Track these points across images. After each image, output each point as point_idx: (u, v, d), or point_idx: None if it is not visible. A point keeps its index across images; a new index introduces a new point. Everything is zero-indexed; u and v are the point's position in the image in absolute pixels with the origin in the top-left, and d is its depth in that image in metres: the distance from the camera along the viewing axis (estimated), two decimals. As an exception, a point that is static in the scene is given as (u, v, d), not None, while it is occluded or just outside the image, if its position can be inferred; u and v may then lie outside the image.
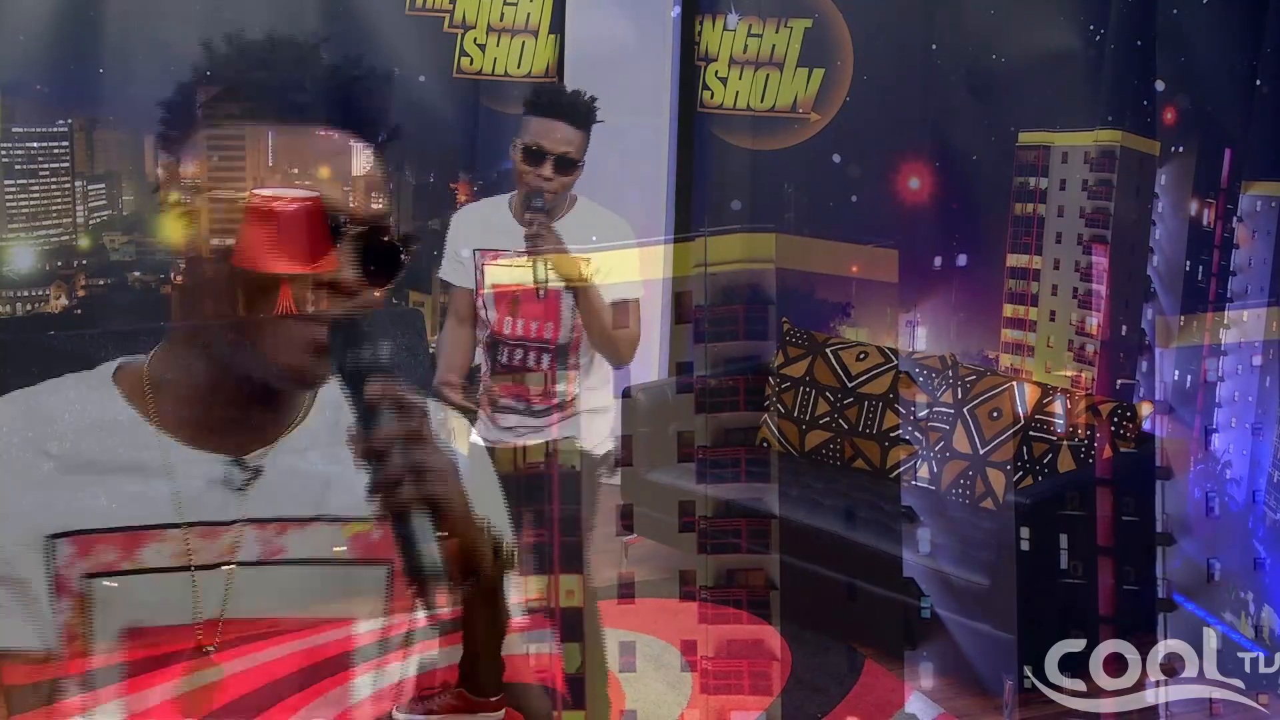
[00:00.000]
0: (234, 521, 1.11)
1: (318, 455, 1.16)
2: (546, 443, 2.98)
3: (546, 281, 2.76)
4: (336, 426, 1.10)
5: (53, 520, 1.08)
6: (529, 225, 2.75)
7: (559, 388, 2.92)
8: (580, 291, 2.79)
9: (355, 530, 1.16)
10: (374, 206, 1.13)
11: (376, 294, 1.12)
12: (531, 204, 2.75)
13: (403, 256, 1.13)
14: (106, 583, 1.08)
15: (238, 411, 1.14)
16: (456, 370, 2.98)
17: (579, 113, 2.82)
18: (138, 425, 1.13)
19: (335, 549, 1.15)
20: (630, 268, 2.91)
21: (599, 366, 2.96)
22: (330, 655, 1.15)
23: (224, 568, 1.11)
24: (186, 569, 1.09)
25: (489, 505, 1.17)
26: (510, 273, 2.87)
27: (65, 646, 1.09)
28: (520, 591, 1.19)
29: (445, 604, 1.01)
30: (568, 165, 2.80)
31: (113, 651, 1.09)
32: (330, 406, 1.16)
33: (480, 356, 3.00)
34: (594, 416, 3.00)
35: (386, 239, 1.13)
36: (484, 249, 2.91)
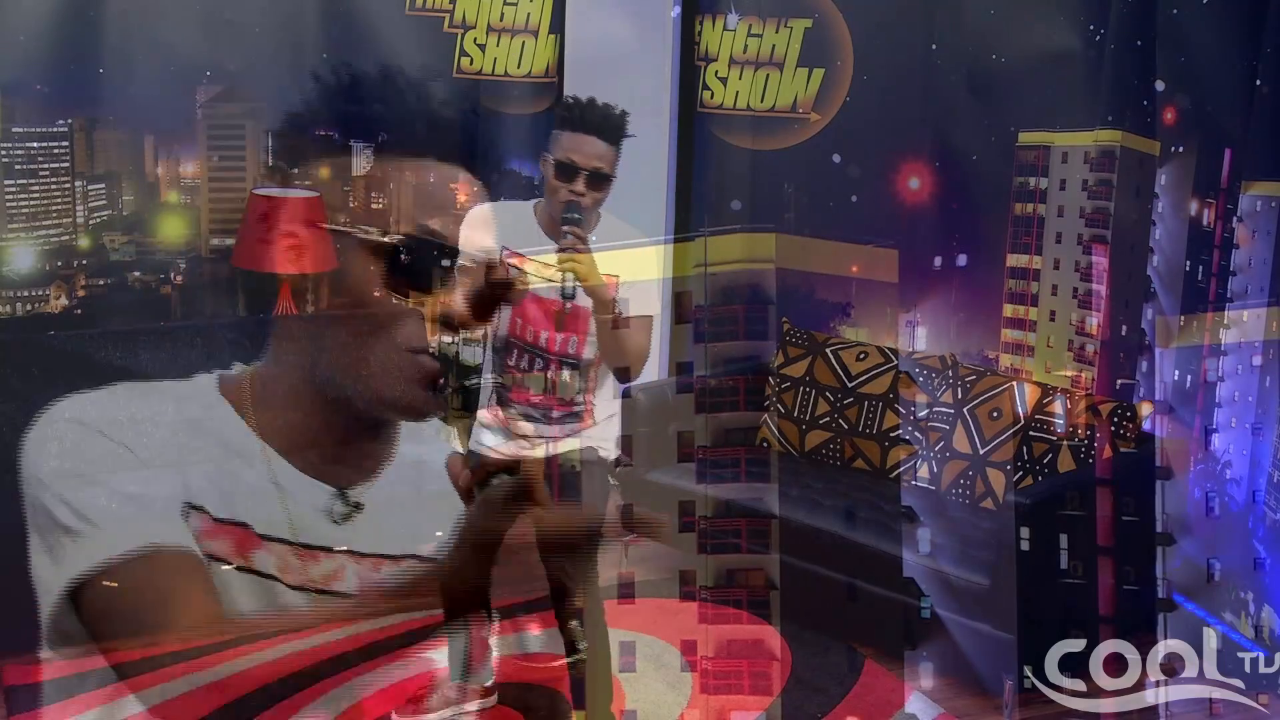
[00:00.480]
0: (338, 550, 1.13)
1: (406, 490, 1.14)
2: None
3: (573, 297, 2.74)
4: (420, 462, 1.11)
5: (185, 492, 1.10)
6: (564, 238, 2.74)
7: (577, 399, 2.93)
8: (605, 318, 2.79)
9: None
10: (485, 243, 1.14)
11: (481, 327, 1.13)
12: (569, 215, 2.74)
13: (508, 295, 1.14)
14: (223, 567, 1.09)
15: (343, 443, 1.15)
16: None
17: (611, 127, 2.85)
18: (248, 439, 1.13)
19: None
20: (653, 288, 2.92)
21: (607, 372, 2.96)
22: (331, 656, 1.16)
23: (327, 595, 1.12)
24: (289, 584, 1.11)
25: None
26: (536, 276, 2.85)
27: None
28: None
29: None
30: (600, 180, 2.81)
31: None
32: (411, 441, 1.17)
33: (484, 359, 2.98)
34: (608, 423, 3.01)
35: (495, 277, 1.13)
36: (509, 248, 2.90)
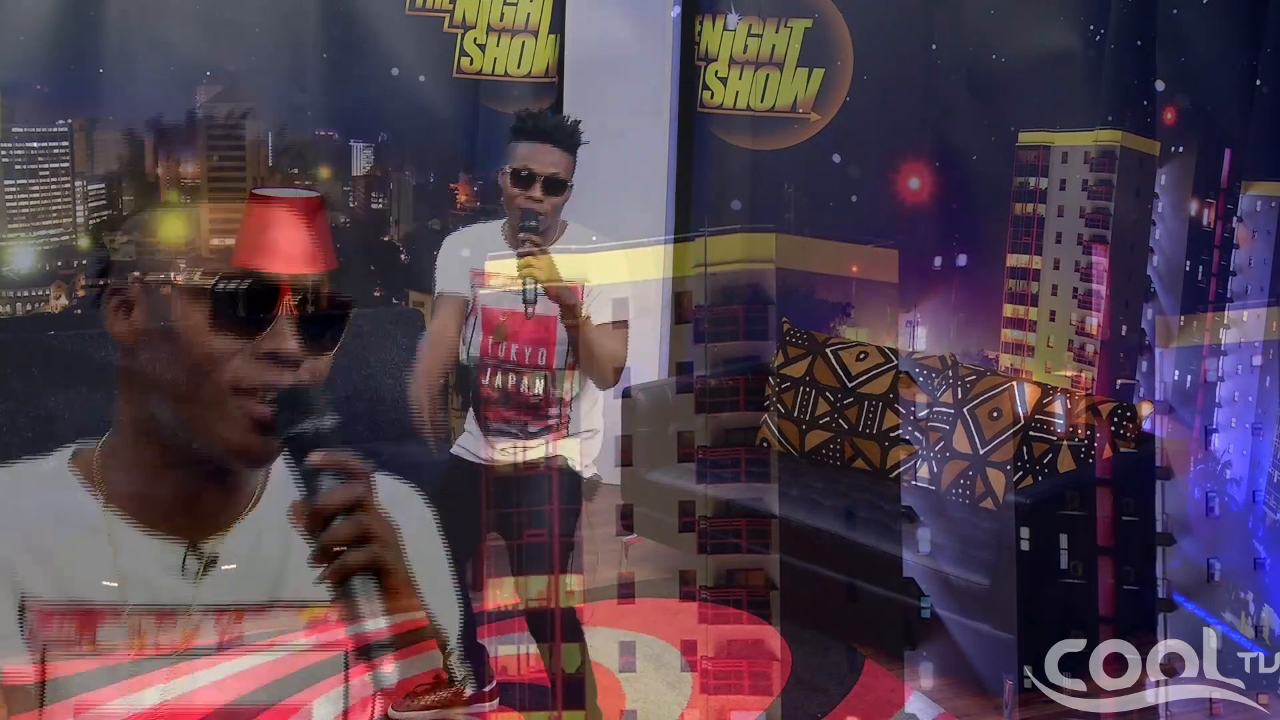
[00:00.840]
0: (190, 608, 1.10)
1: (272, 538, 1.14)
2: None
3: (535, 301, 2.78)
4: (284, 507, 1.09)
5: (21, 587, 1.08)
6: (521, 245, 2.78)
7: (553, 410, 2.94)
8: (572, 320, 2.80)
9: (313, 614, 1.15)
10: (311, 274, 1.11)
11: (320, 362, 1.11)
12: (526, 224, 2.78)
13: (344, 322, 1.12)
14: (64, 656, 1.07)
15: (190, 495, 1.12)
16: (438, 373, 2.98)
17: (564, 135, 2.86)
18: (91, 507, 1.12)
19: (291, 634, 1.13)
20: (622, 288, 2.93)
21: (591, 388, 2.97)
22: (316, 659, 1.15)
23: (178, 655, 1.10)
24: (142, 651, 1.09)
25: (436, 578, 1.16)
26: (503, 296, 2.87)
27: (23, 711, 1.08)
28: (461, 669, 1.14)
29: (392, 673, 1.01)
30: (557, 186, 2.84)
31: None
32: (282, 486, 1.15)
33: (462, 376, 3.00)
34: (586, 439, 3.02)
35: (327, 305, 1.11)
36: (477, 270, 2.92)
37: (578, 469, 2.98)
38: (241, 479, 1.16)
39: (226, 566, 1.13)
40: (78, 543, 1.11)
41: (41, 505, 1.13)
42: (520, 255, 2.78)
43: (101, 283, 1.19)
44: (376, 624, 1.01)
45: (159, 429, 1.11)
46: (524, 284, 2.77)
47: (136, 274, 1.09)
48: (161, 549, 1.12)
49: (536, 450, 2.95)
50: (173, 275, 1.09)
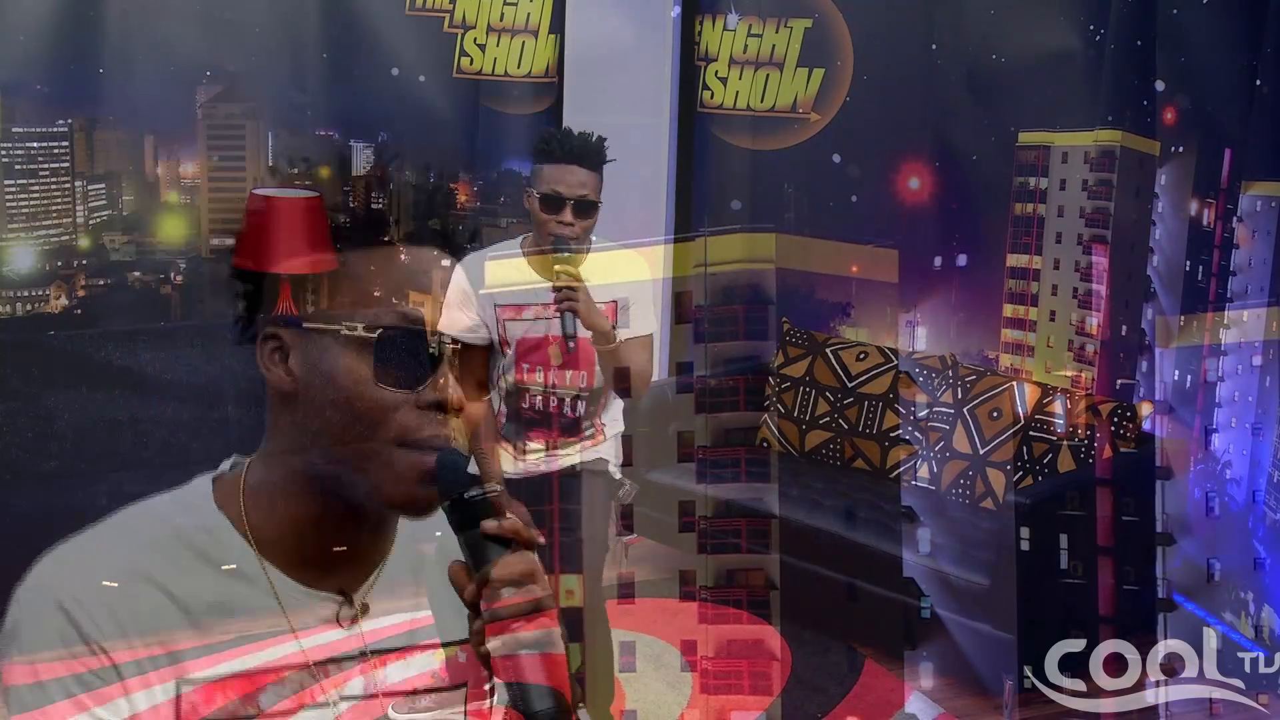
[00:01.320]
0: (351, 658, 1.09)
1: (405, 582, 1.14)
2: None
3: (575, 336, 2.75)
4: (410, 548, 1.12)
5: (176, 666, 1.04)
6: (557, 278, 2.73)
7: (587, 424, 2.96)
8: (606, 348, 2.79)
9: (449, 654, 1.15)
10: (466, 320, 1.13)
11: (476, 410, 1.12)
12: (560, 254, 2.74)
13: (495, 373, 1.13)
14: None
15: (347, 546, 1.11)
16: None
17: (590, 154, 2.83)
18: (246, 556, 1.08)
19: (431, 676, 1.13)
20: (648, 304, 2.93)
21: (612, 403, 2.99)
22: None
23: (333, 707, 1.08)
24: (304, 707, 1.07)
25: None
26: (535, 325, 2.84)
27: None
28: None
29: None
30: (587, 208, 2.81)
31: None
32: (408, 528, 1.16)
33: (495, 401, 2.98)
34: (614, 442, 3.04)
35: (479, 350, 1.12)
36: (503, 304, 2.87)
37: (614, 474, 3.00)
38: (389, 529, 1.15)
39: (378, 614, 1.13)
40: (240, 592, 1.07)
41: (196, 549, 1.08)
42: (555, 289, 2.73)
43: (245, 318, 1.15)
44: (542, 699, 1.02)
45: (318, 481, 1.09)
46: (563, 321, 2.73)
47: (294, 321, 1.07)
48: (318, 599, 1.10)
49: (572, 456, 2.94)
50: (341, 328, 1.07)
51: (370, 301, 1.09)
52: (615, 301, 2.85)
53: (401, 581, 1.14)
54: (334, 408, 1.07)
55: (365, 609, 1.12)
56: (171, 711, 1.04)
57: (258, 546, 1.10)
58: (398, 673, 1.13)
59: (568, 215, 2.79)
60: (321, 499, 1.09)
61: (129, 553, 1.07)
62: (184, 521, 1.10)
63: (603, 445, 3.00)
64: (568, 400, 2.90)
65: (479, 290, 2.89)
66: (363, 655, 1.11)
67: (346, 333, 1.08)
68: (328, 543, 1.10)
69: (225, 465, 1.15)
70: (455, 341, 1.10)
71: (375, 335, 1.07)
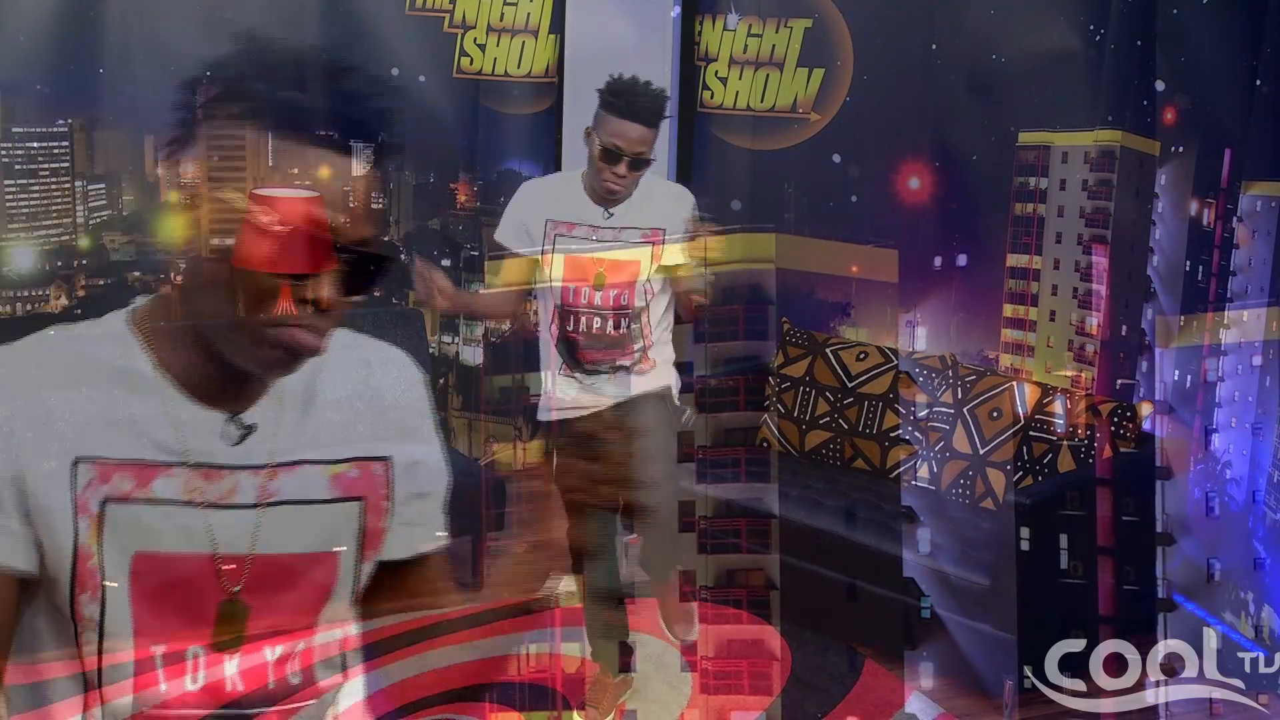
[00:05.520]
0: (233, 467, 1.20)
1: (294, 403, 1.25)
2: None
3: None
4: (311, 381, 1.24)
5: (77, 446, 1.16)
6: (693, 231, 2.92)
7: (636, 346, 3.05)
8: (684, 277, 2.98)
9: (335, 471, 1.26)
10: (361, 230, 1.19)
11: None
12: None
13: (382, 272, 1.20)
14: (122, 507, 1.16)
15: (233, 379, 1.21)
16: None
17: (654, 111, 2.94)
18: (148, 372, 1.20)
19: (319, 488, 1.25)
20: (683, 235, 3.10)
21: (664, 317, 3.09)
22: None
23: (230, 509, 1.20)
24: (192, 504, 1.19)
25: (425, 432, 1.35)
26: (583, 244, 3.00)
27: (79, 569, 1.16)
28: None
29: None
30: (641, 163, 2.94)
31: (124, 578, 1.17)
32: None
33: (543, 323, 3.12)
34: (665, 366, 3.13)
35: (372, 260, 1.18)
36: (556, 219, 3.01)
37: (671, 391, 3.12)
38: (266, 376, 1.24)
39: (265, 435, 1.23)
40: (139, 404, 1.19)
41: (103, 365, 1.20)
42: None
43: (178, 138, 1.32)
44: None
45: (206, 332, 1.19)
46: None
47: (317, 220, 1.15)
48: (205, 416, 1.20)
49: (635, 385, 3.07)
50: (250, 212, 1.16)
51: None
52: (658, 230, 2.99)
53: (289, 403, 1.24)
54: (232, 278, 1.16)
55: (252, 428, 1.22)
56: (68, 481, 1.15)
57: (157, 363, 1.21)
58: (291, 489, 1.23)
59: (622, 168, 2.91)
60: (210, 344, 1.20)
61: (41, 370, 1.22)
62: (94, 336, 1.24)
63: (660, 370, 3.10)
64: (610, 318, 3.01)
65: (539, 204, 3.05)
66: (253, 468, 1.21)
67: (255, 221, 1.15)
68: (220, 373, 1.20)
69: (139, 300, 1.27)
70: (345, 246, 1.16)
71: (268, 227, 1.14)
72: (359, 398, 1.29)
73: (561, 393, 3.08)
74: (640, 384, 3.05)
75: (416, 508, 1.31)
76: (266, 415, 1.23)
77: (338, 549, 1.26)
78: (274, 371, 1.20)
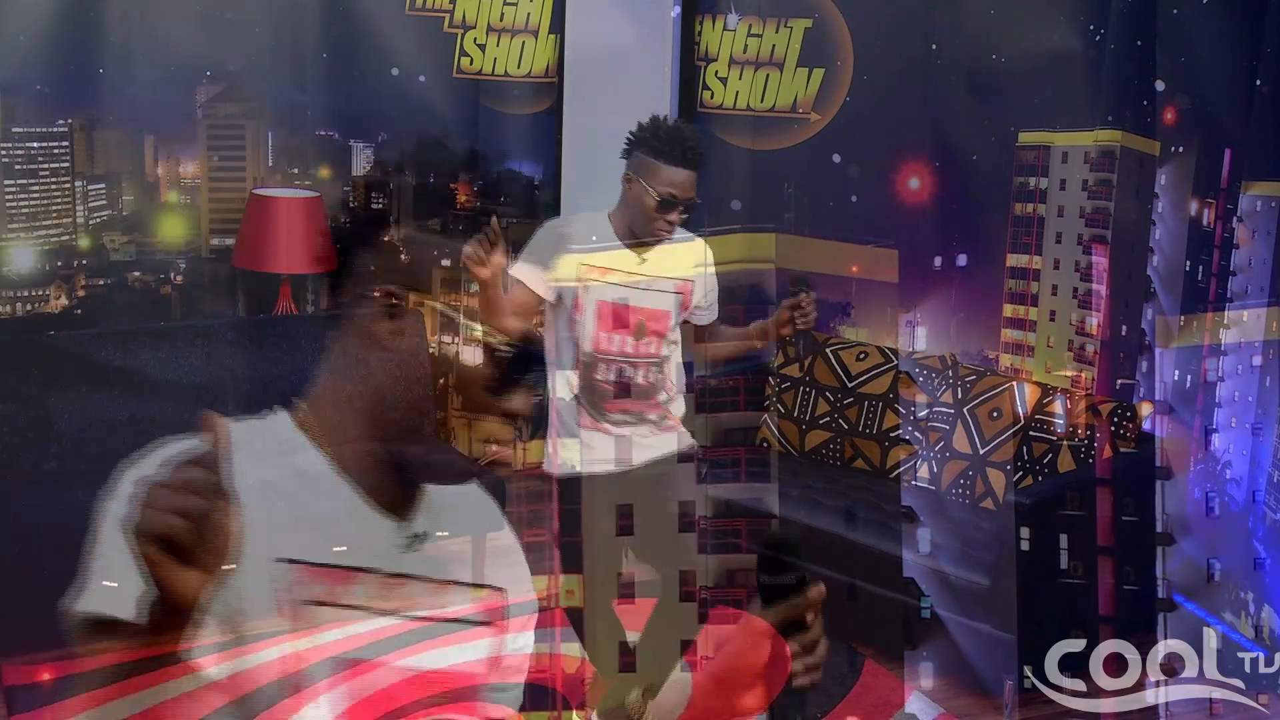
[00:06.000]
0: (409, 576, 1.19)
1: (449, 517, 1.25)
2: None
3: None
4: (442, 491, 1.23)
5: (280, 548, 1.14)
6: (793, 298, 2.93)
7: (661, 397, 3.01)
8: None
9: (479, 594, 1.25)
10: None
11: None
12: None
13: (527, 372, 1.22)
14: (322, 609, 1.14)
15: (402, 478, 1.21)
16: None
17: (700, 154, 2.92)
18: (325, 470, 1.19)
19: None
20: (714, 289, 3.10)
21: (679, 368, 3.07)
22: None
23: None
24: (376, 611, 1.17)
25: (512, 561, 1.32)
26: (619, 290, 2.93)
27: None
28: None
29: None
30: (692, 207, 2.92)
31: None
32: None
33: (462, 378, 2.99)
34: (680, 417, 3.11)
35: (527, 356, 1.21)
36: (590, 264, 2.95)
37: (686, 451, 3.08)
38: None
39: (428, 543, 1.23)
40: (322, 503, 1.18)
41: (285, 459, 1.19)
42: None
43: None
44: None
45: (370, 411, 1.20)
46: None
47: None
48: (379, 520, 1.19)
49: (665, 444, 3.03)
50: (474, 334, 1.17)
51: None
52: (689, 281, 2.98)
53: (444, 518, 1.24)
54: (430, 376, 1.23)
55: (421, 537, 1.21)
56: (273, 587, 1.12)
57: (338, 469, 1.20)
58: (439, 603, 1.22)
59: (674, 216, 2.88)
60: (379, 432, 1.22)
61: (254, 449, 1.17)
62: (269, 435, 1.21)
63: (677, 432, 3.07)
64: (640, 367, 2.96)
65: (563, 246, 2.97)
66: (421, 579, 1.20)
67: (480, 338, 1.16)
68: (389, 471, 1.20)
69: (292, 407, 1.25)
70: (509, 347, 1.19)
71: (496, 348, 1.16)
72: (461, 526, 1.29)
73: (592, 445, 3.01)
74: (667, 443, 3.02)
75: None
76: (428, 526, 1.23)
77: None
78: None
